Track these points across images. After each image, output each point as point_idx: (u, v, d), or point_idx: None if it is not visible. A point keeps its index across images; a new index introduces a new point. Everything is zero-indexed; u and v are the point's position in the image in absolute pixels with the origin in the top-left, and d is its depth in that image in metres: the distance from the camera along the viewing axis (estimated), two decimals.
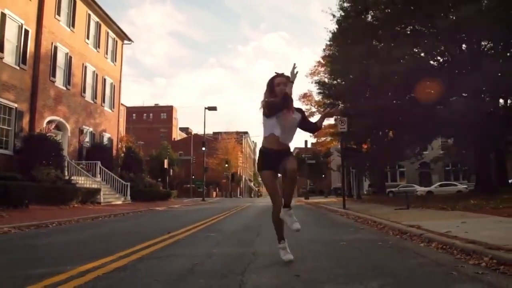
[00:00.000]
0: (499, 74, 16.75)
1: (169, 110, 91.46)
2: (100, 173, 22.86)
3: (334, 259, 4.58)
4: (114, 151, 28.42)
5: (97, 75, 26.08)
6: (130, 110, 75.54)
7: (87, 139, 24.35)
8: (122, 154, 30.91)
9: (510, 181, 28.28)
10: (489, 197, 15.20)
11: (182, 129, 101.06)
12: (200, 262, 4.22)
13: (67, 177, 19.04)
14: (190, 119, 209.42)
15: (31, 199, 14.19)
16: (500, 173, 23.98)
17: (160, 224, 10.26)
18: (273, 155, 4.06)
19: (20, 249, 5.61)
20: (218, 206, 23.19)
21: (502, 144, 21.70)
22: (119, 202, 21.94)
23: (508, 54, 17.98)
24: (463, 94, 17.60)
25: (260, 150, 4.32)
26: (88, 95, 25.03)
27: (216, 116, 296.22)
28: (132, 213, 14.96)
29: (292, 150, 4.43)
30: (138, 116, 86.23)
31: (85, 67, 24.52)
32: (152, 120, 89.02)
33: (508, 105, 19.67)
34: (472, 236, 5.26)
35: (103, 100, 27.22)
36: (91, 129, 25.23)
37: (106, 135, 27.70)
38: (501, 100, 19.59)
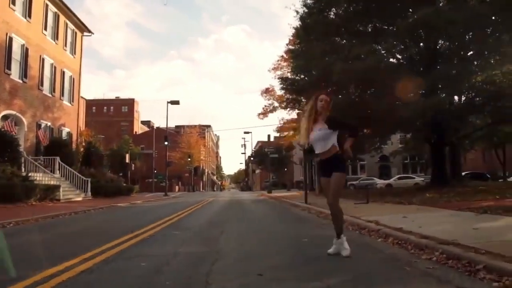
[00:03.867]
0: (454, 72, 17.50)
1: (130, 103, 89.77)
2: (59, 169, 22.30)
3: (297, 256, 4.77)
4: (74, 146, 27.73)
5: (55, 67, 25.32)
6: (90, 103, 73.38)
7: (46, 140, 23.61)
8: (82, 149, 30.18)
9: (463, 173, 29.67)
10: (444, 190, 15.93)
11: (143, 123, 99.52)
12: (166, 263, 4.29)
13: (24, 174, 18.44)
14: (151, 112, 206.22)
15: None
16: (454, 166, 25.09)
17: (123, 222, 10.17)
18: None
19: None
20: (181, 201, 23.12)
21: (456, 138, 22.68)
22: (79, 199, 21.47)
23: (462, 53, 18.76)
24: (421, 91, 18.22)
25: None
26: (46, 88, 24.28)
27: (179, 109, 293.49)
28: (94, 210, 14.66)
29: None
30: (98, 109, 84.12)
31: (43, 59, 23.74)
32: (113, 113, 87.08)
33: (461, 102, 20.54)
34: (425, 231, 5.59)
35: (62, 94, 26.46)
36: (49, 123, 24.50)
37: (65, 130, 26.99)
38: (455, 97, 20.45)
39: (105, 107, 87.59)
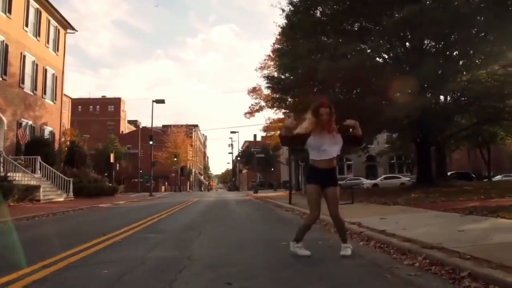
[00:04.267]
0: (440, 71, 17.41)
1: (116, 102, 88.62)
2: (40, 169, 21.70)
3: (272, 261, 4.51)
4: (56, 145, 27.12)
5: (37, 65, 24.70)
6: (75, 102, 72.46)
7: (27, 137, 23.02)
8: (66, 149, 29.58)
9: (448, 173, 29.75)
10: (429, 190, 15.82)
11: (130, 122, 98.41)
12: (130, 270, 3.98)
13: (2, 174, 17.90)
14: (139, 111, 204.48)
15: None
16: (439, 166, 25.09)
17: (101, 223, 9.81)
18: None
19: None
20: (165, 201, 22.73)
21: (442, 138, 22.64)
22: (61, 199, 20.94)
23: (447, 53, 18.70)
24: (407, 91, 18.11)
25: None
26: (27, 86, 23.66)
27: (165, 109, 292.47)
28: (73, 211, 14.24)
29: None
30: (84, 108, 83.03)
31: (24, 56, 23.13)
32: (99, 113, 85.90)
33: (447, 101, 20.48)
34: (409, 233, 5.37)
35: (44, 92, 25.84)
36: (30, 122, 23.91)
37: (48, 129, 26.37)
38: (441, 97, 20.37)
39: (91, 106, 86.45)
